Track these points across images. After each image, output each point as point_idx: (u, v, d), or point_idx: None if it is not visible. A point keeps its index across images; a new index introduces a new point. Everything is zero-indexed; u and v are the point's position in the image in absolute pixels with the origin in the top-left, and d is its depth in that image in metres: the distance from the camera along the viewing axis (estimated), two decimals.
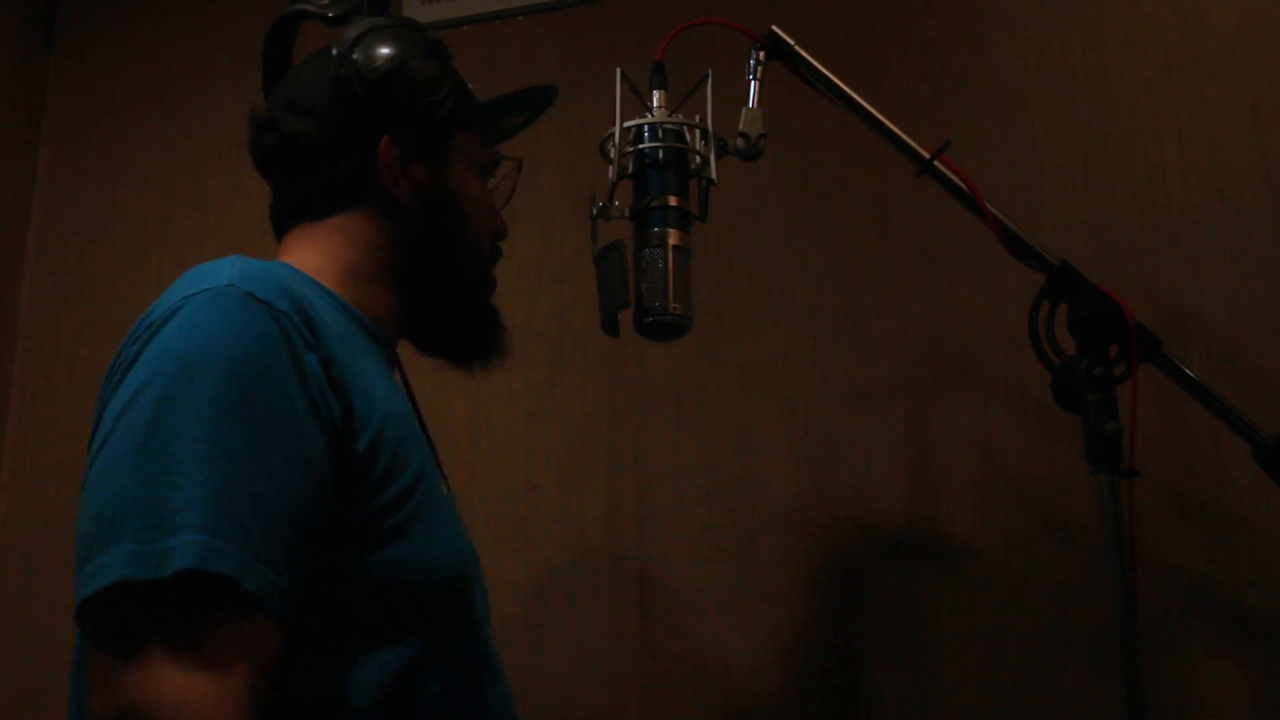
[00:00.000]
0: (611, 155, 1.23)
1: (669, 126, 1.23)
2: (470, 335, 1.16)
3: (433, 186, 1.08)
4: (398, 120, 1.05)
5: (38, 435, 2.05)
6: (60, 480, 2.01)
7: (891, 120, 1.29)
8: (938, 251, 1.67)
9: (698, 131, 1.24)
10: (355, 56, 1.05)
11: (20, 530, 2.01)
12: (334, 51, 1.06)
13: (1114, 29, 1.67)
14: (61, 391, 2.06)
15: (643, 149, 1.23)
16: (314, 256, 1.05)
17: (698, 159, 1.24)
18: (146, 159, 2.13)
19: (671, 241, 1.19)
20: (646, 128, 1.23)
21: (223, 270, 0.89)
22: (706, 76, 1.26)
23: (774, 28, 1.30)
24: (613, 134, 1.24)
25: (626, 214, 1.22)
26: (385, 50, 1.05)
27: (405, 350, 1.17)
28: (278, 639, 0.81)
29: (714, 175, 1.22)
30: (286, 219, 1.09)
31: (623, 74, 1.26)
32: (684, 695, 1.63)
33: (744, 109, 1.26)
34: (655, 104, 1.25)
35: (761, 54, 1.30)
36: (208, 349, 0.83)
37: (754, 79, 1.28)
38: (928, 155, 1.28)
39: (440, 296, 1.11)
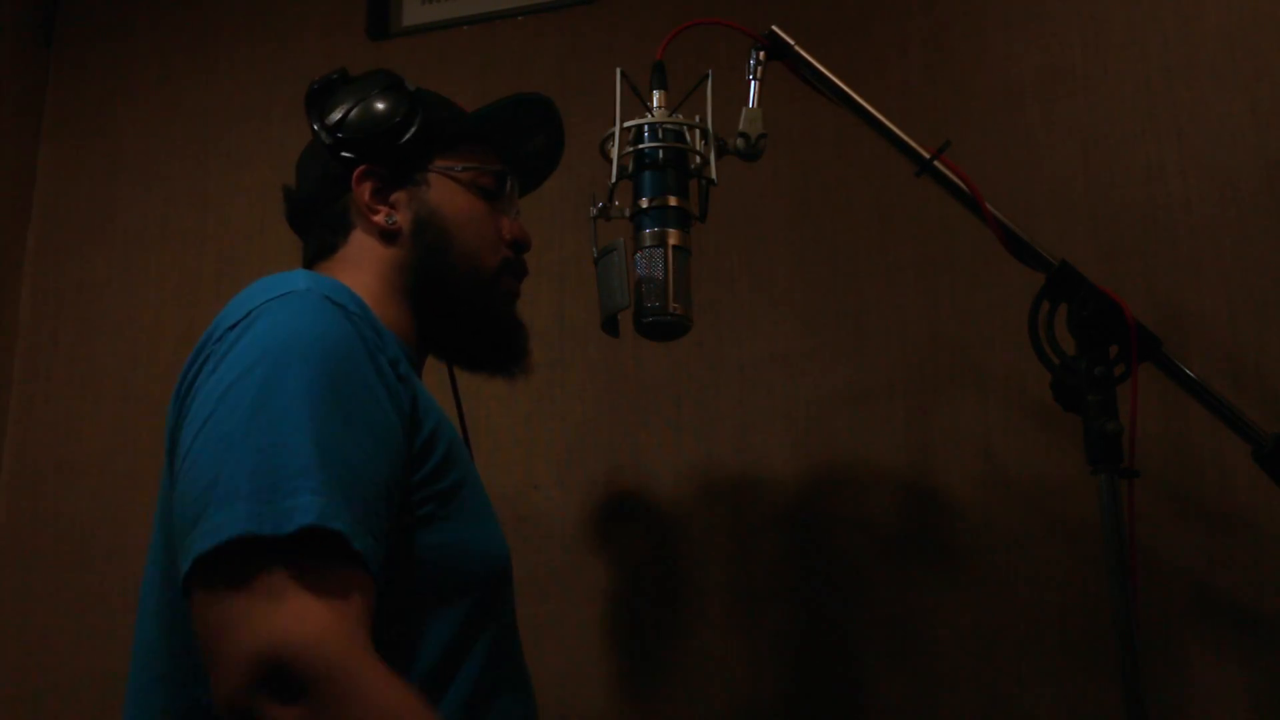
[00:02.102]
0: (611, 155, 1.23)
1: (669, 126, 1.23)
2: (486, 346, 1.23)
3: (417, 210, 1.18)
4: (366, 158, 1.17)
5: (38, 435, 2.05)
6: (60, 480, 2.01)
7: (891, 120, 1.29)
8: (938, 251, 1.67)
9: (698, 131, 1.24)
10: (321, 113, 1.19)
11: (20, 530, 2.01)
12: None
13: (1114, 29, 1.67)
14: (61, 391, 2.06)
15: (643, 149, 1.23)
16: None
17: (697, 159, 1.24)
18: (146, 159, 2.13)
19: (671, 241, 1.19)
20: (646, 128, 1.24)
21: (298, 279, 1.00)
22: (706, 76, 1.26)
23: (774, 28, 1.30)
24: (613, 134, 1.24)
25: (626, 214, 1.23)
26: (340, 100, 1.19)
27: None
28: (373, 596, 0.89)
29: (714, 175, 1.22)
30: (310, 265, 1.21)
31: (623, 74, 1.26)
32: (684, 695, 1.63)
33: (744, 109, 1.26)
34: (655, 104, 1.25)
35: (761, 54, 1.30)
36: (300, 340, 0.93)
37: (754, 79, 1.28)
38: (928, 155, 1.28)
39: (447, 313, 1.18)
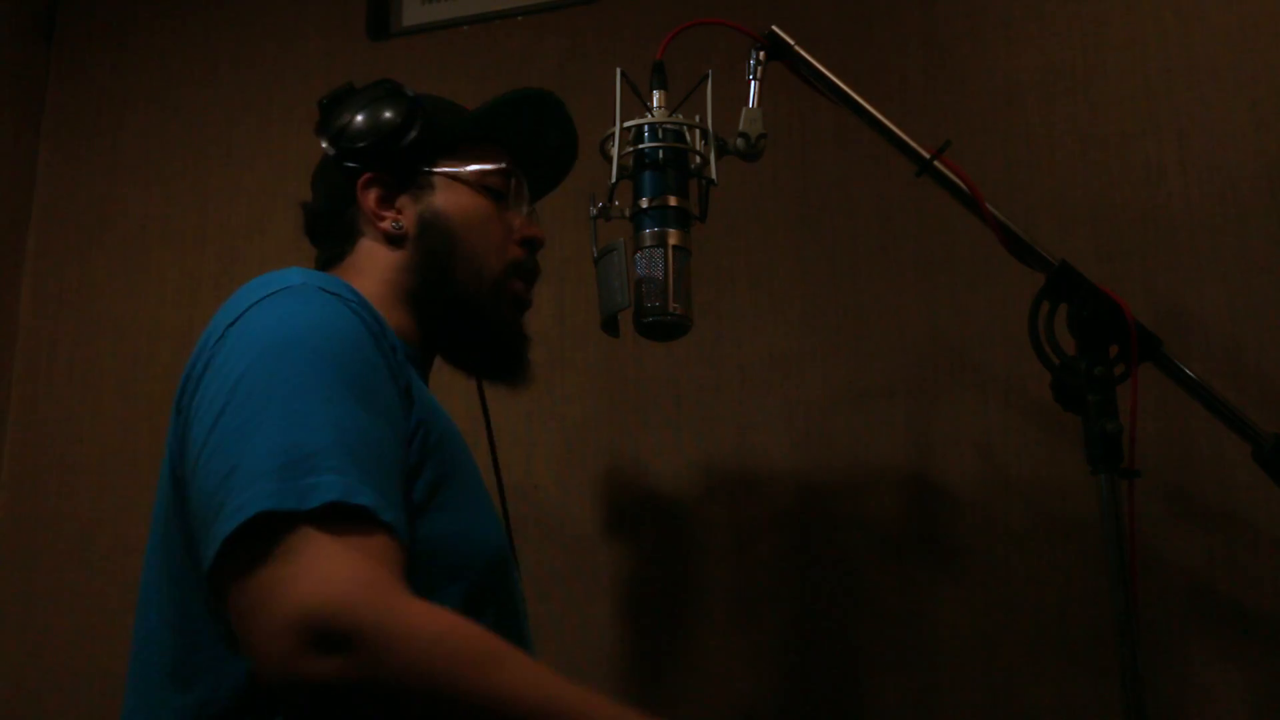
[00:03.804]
0: (611, 155, 1.23)
1: (669, 126, 1.23)
2: (484, 352, 1.23)
3: (421, 213, 1.19)
4: (369, 165, 1.19)
5: (38, 435, 2.05)
6: (60, 480, 2.01)
7: (891, 120, 1.29)
8: (938, 251, 1.67)
9: (698, 131, 1.24)
10: (324, 126, 1.21)
11: (20, 530, 2.01)
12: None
13: (1114, 29, 1.67)
14: (61, 391, 2.06)
15: (643, 149, 1.23)
16: None
17: (698, 159, 1.24)
18: (146, 159, 2.13)
19: (671, 241, 1.19)
20: (646, 128, 1.23)
21: (292, 275, 1.01)
22: (706, 76, 1.26)
23: (774, 28, 1.30)
24: (613, 134, 1.24)
25: (626, 214, 1.23)
26: (340, 110, 1.21)
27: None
28: (405, 562, 0.88)
29: (714, 175, 1.22)
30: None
31: (623, 74, 1.26)
32: (684, 695, 1.63)
33: (744, 109, 1.26)
34: (655, 104, 1.25)
35: (761, 54, 1.29)
36: (301, 328, 0.94)
37: (754, 79, 1.28)
38: (928, 155, 1.28)
39: (447, 316, 1.18)
